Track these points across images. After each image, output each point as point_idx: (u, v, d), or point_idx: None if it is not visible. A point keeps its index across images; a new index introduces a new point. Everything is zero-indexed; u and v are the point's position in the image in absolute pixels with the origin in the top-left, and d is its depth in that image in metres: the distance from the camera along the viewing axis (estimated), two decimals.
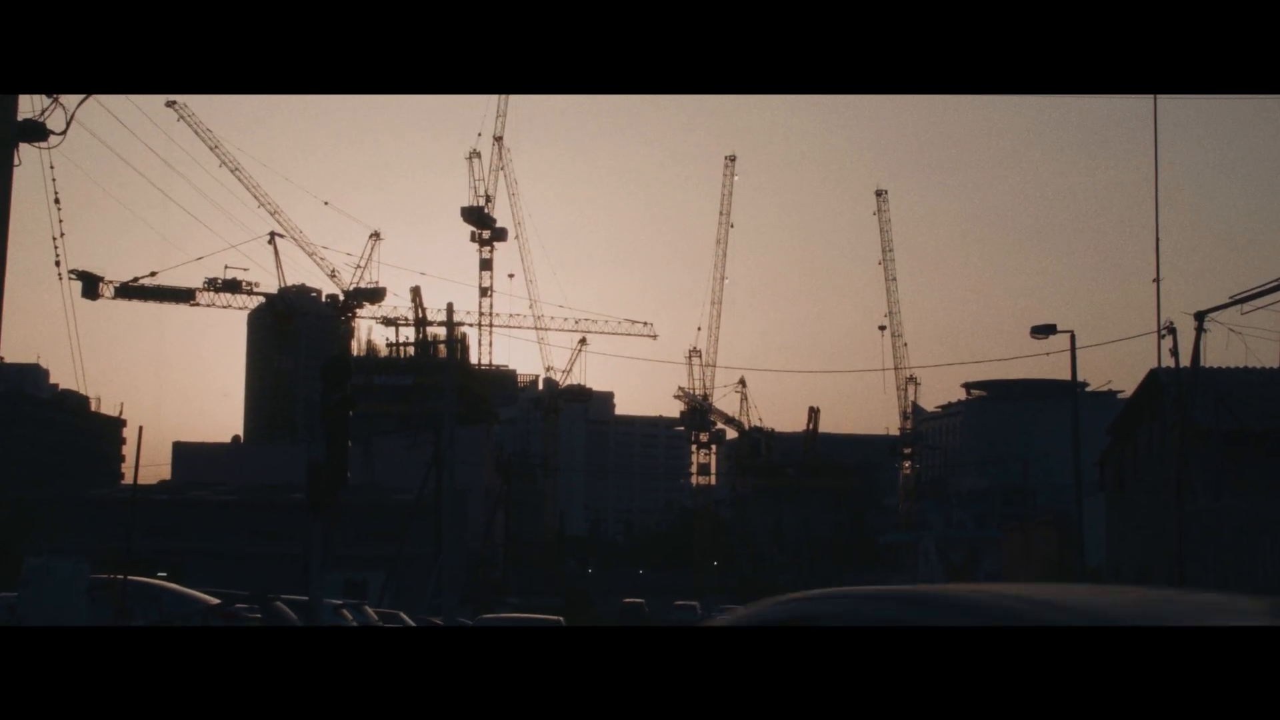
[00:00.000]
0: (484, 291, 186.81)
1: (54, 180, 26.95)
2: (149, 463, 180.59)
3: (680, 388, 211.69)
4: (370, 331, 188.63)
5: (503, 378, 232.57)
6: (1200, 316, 42.51)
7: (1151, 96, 45.50)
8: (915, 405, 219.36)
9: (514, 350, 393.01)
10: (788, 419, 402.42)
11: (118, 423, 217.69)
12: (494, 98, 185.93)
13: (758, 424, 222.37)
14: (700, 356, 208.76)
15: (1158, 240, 73.56)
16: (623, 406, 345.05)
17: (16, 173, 23.93)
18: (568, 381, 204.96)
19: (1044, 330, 57.22)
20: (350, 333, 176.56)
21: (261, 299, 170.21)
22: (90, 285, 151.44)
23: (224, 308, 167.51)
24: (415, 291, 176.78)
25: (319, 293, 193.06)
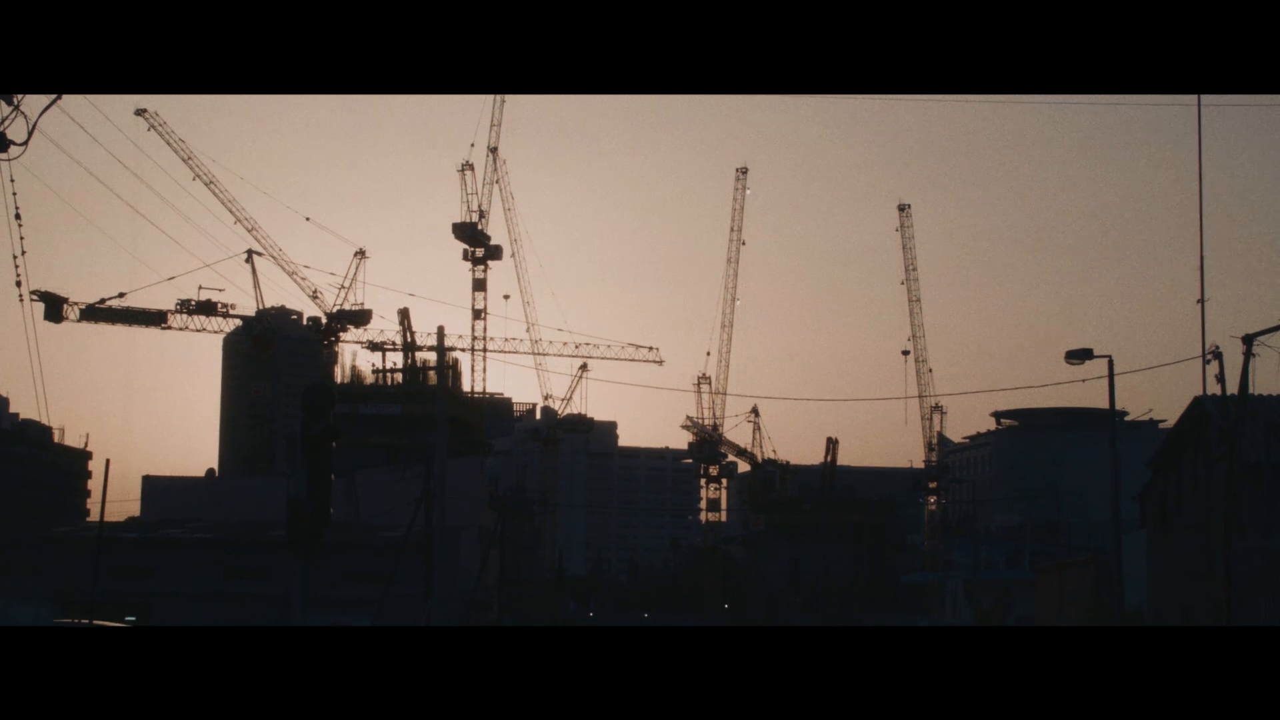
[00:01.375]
0: (477, 314, 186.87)
1: (14, 194, 26.97)
2: (117, 498, 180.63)
3: (688, 417, 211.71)
4: (355, 357, 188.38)
5: (498, 406, 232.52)
6: (1249, 340, 42.41)
7: (1195, 98, 45.49)
8: (941, 436, 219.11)
9: (510, 377, 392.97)
10: (804, 451, 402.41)
11: (83, 455, 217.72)
12: (488, 106, 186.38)
13: (771, 456, 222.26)
14: (710, 384, 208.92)
15: (1202, 257, 73.30)
16: (626, 438, 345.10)
17: None
18: (567, 410, 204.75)
19: (1079, 355, 57.12)
20: (334, 358, 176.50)
21: (238, 322, 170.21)
22: (54, 307, 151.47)
23: (198, 331, 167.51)
24: (403, 314, 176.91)
25: (300, 315, 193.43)
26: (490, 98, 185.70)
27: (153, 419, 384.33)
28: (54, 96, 24.31)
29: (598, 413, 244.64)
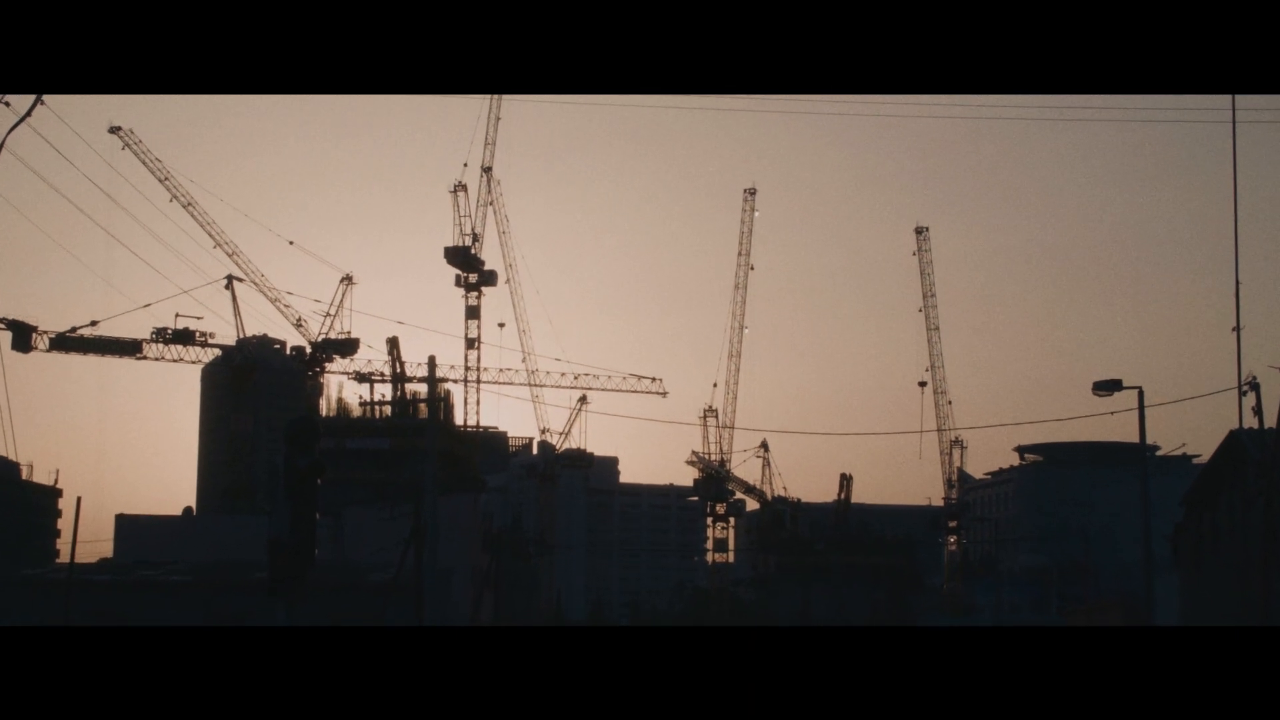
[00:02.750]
0: (471, 343, 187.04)
1: None
2: (89, 538, 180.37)
3: (694, 452, 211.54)
4: (341, 388, 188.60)
5: (492, 441, 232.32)
6: None
7: (1229, 109, 45.47)
8: (961, 472, 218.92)
9: (505, 410, 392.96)
10: (816, 488, 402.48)
11: (53, 493, 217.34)
12: (482, 124, 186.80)
13: (782, 493, 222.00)
14: (716, 417, 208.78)
15: (1237, 282, 73.19)
16: (628, 474, 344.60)
17: None
18: (566, 445, 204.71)
19: (1108, 386, 57.12)
20: (318, 390, 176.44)
21: (217, 351, 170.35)
22: (22, 336, 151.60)
23: (175, 361, 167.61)
24: (392, 343, 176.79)
25: (283, 344, 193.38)
26: (484, 115, 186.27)
27: (127, 454, 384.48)
28: (31, 103, 24.42)
29: (598, 447, 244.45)
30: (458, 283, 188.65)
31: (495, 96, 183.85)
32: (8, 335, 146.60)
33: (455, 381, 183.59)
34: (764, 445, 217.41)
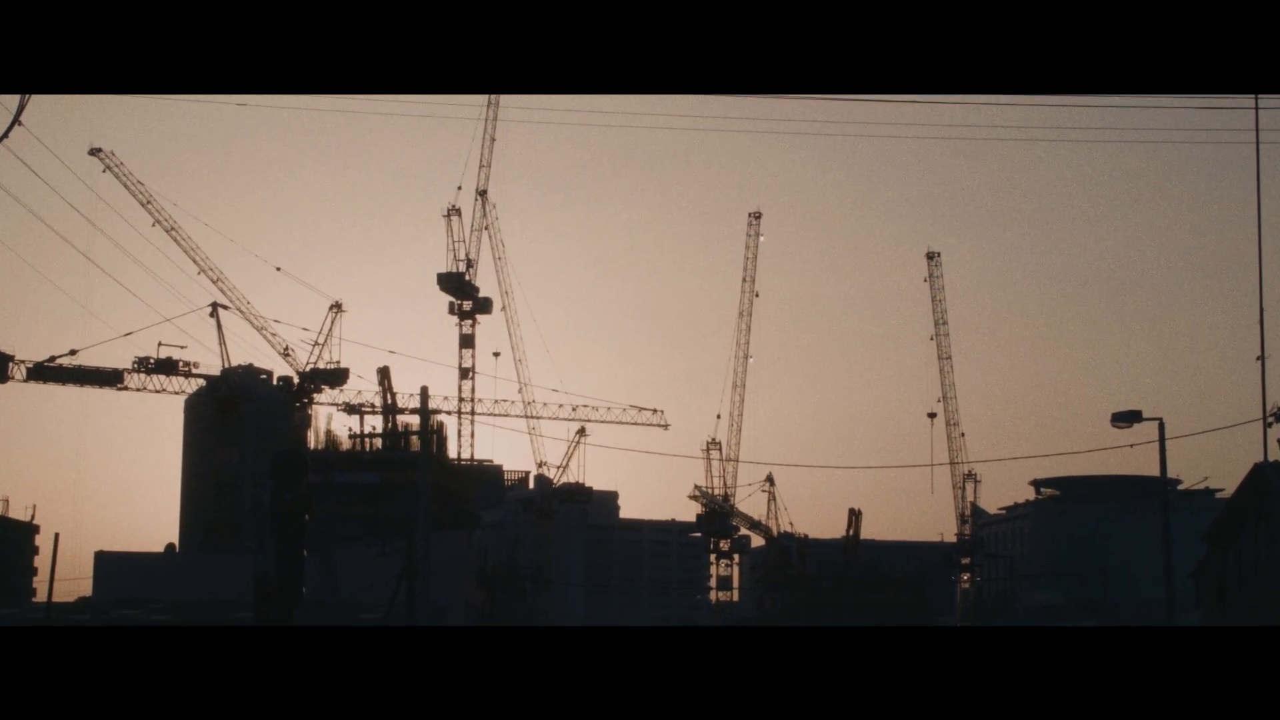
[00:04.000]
0: (465, 373, 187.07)
1: None
2: (67, 576, 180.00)
3: (696, 486, 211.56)
4: (330, 420, 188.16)
5: (487, 475, 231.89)
6: None
7: (1252, 115, 45.44)
8: (975, 506, 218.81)
9: (500, 442, 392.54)
10: (824, 523, 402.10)
11: (29, 529, 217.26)
12: (476, 146, 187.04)
13: (788, 529, 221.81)
14: (720, 450, 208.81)
15: (1261, 309, 73.25)
16: (628, 509, 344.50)
17: None
18: (563, 479, 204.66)
19: (1127, 418, 57.13)
20: (306, 421, 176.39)
21: (201, 382, 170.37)
22: None
23: (157, 392, 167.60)
24: (383, 373, 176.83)
25: (270, 374, 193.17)
26: (479, 137, 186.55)
27: (107, 488, 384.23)
28: (18, 106, 24.54)
29: (597, 481, 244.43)
30: (451, 310, 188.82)
31: (491, 119, 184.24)
32: None
33: (449, 413, 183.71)
34: (769, 479, 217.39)
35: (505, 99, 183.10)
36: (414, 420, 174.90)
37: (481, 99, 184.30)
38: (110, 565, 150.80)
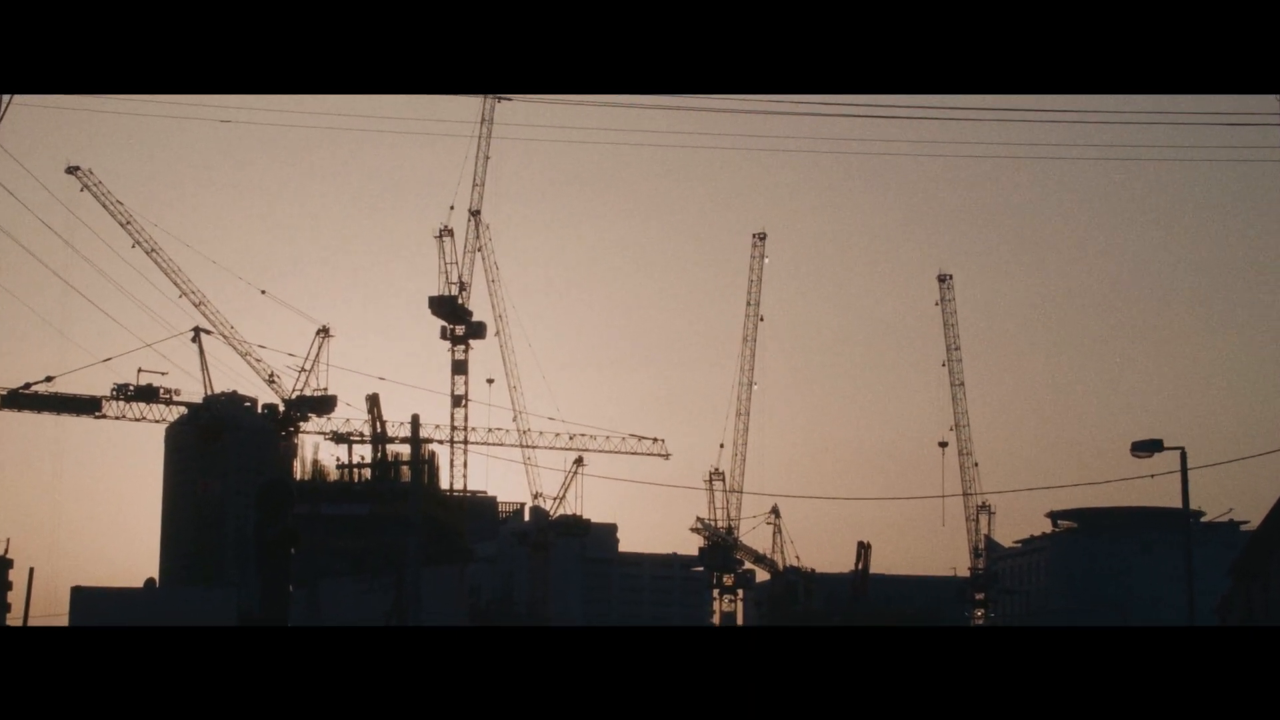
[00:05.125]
0: (457, 400, 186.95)
1: None
2: (42, 612, 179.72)
3: (699, 519, 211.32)
4: (317, 449, 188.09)
5: (480, 506, 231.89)
6: None
7: (1277, 133, 45.44)
8: (989, 539, 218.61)
9: (494, 473, 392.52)
10: (832, 557, 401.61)
11: (2, 563, 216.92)
12: (470, 164, 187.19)
13: (794, 563, 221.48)
14: (723, 480, 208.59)
15: None
16: (628, 542, 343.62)
17: None
18: (560, 511, 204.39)
19: (1148, 447, 57.01)
20: (292, 451, 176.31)
21: (183, 409, 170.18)
22: None
23: (136, 420, 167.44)
24: (372, 400, 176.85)
25: (254, 402, 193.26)
26: (472, 155, 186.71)
27: (84, 521, 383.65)
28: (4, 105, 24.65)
29: (595, 513, 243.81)
30: (443, 335, 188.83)
31: (485, 136, 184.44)
32: None
33: (440, 442, 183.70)
34: (775, 511, 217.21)
35: (500, 115, 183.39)
36: (404, 450, 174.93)
37: (475, 115, 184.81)
38: (87, 601, 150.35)
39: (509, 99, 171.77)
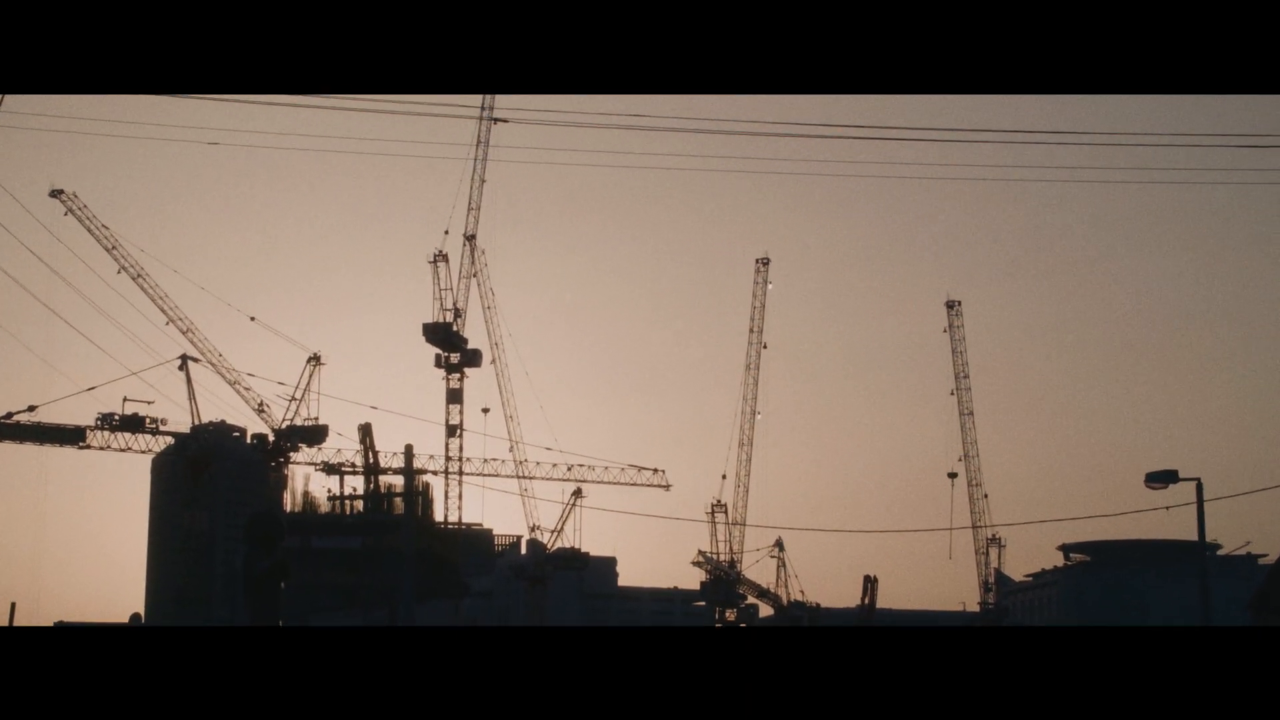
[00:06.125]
0: (452, 430, 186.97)
1: None
2: None
3: (701, 552, 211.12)
4: (308, 480, 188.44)
5: (476, 539, 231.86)
6: None
7: None
8: (999, 573, 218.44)
9: (490, 504, 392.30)
10: (837, 591, 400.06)
11: None
12: (465, 187, 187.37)
13: (799, 597, 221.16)
14: (725, 512, 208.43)
15: None
16: (627, 575, 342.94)
17: None
18: (558, 544, 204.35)
19: (1162, 478, 57.01)
20: (282, 482, 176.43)
21: (170, 439, 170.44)
22: None
23: (122, 451, 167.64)
24: (365, 430, 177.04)
25: (243, 432, 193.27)
26: (467, 177, 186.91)
27: (68, 554, 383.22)
28: None
29: (594, 546, 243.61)
30: (438, 363, 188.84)
31: (481, 158, 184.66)
32: None
33: (435, 473, 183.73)
34: (778, 544, 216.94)
35: (496, 137, 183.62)
36: (398, 481, 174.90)
37: (471, 137, 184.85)
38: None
39: (505, 120, 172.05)
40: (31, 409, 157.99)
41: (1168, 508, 59.11)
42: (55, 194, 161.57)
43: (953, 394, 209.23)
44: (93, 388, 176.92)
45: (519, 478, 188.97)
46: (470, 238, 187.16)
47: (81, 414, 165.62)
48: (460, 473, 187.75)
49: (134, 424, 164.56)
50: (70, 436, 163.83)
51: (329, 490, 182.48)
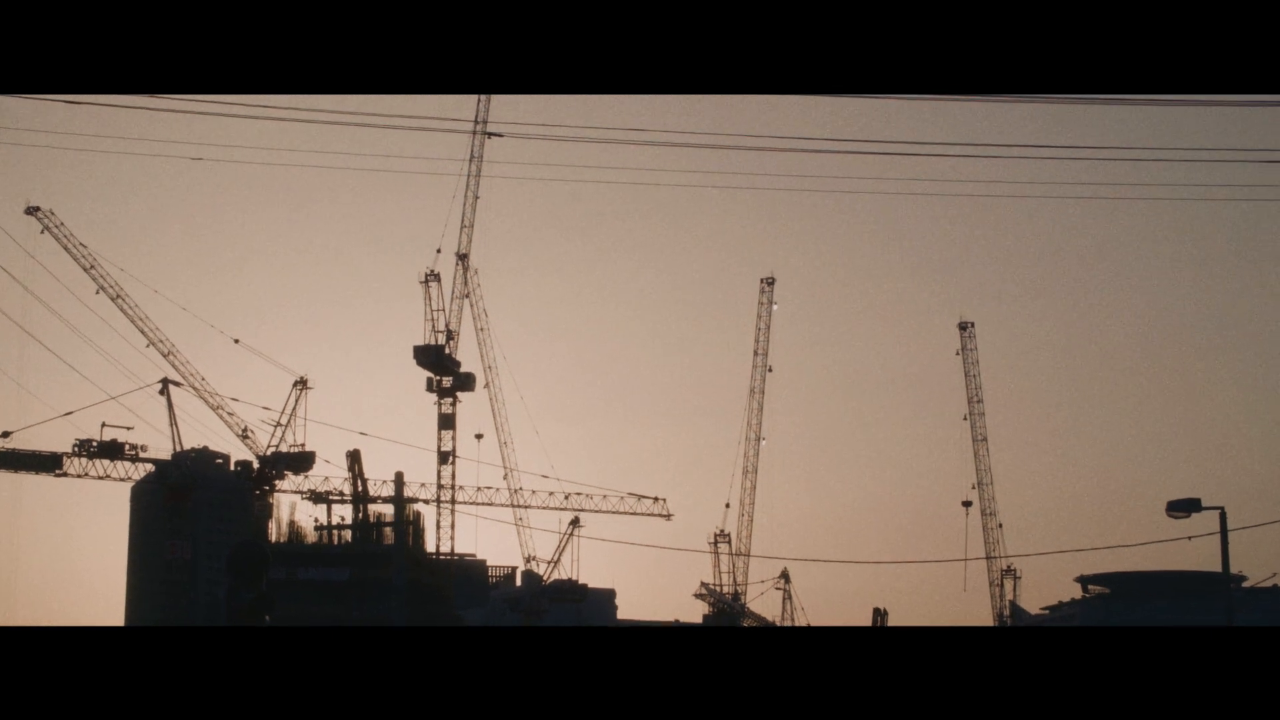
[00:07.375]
0: (444, 457, 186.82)
1: None
2: None
3: (703, 583, 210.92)
4: (294, 509, 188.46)
5: (469, 570, 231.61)
6: None
7: None
8: (1014, 605, 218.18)
9: (484, 534, 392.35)
10: (846, 624, 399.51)
11: None
12: (458, 203, 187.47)
13: None
14: (729, 542, 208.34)
15: None
16: (627, 608, 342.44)
17: None
18: (555, 575, 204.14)
19: (1184, 506, 56.92)
20: (267, 511, 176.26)
21: (150, 467, 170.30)
22: None
23: (100, 478, 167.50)
24: (353, 457, 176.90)
25: (226, 458, 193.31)
26: (460, 194, 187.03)
27: (44, 585, 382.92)
28: None
29: (592, 578, 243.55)
30: (429, 387, 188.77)
31: (474, 174, 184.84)
32: None
33: (426, 501, 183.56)
34: (784, 575, 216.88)
35: (490, 152, 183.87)
36: (388, 510, 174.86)
37: (463, 153, 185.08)
38: None
39: (499, 134, 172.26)
40: (5, 435, 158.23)
41: (1190, 538, 59.07)
42: (31, 211, 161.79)
43: (965, 419, 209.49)
44: (70, 413, 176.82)
45: (514, 506, 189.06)
46: (463, 256, 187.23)
47: (58, 440, 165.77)
48: (453, 501, 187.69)
49: (113, 450, 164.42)
50: (46, 464, 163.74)
51: (316, 519, 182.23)
